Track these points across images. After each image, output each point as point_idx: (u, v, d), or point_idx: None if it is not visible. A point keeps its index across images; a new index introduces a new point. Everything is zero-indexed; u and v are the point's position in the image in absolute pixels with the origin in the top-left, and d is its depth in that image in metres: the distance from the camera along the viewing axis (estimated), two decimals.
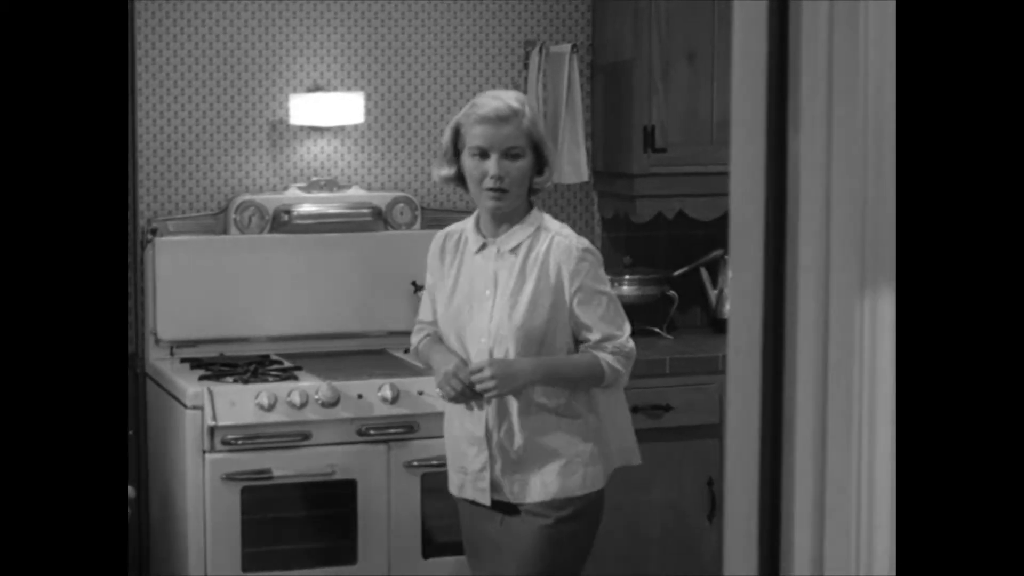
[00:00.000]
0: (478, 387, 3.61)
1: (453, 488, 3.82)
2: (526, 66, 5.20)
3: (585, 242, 3.75)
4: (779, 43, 2.13)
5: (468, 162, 3.67)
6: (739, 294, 2.21)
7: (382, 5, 5.13)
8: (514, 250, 3.70)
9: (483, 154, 3.64)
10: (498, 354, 3.66)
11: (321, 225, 5.00)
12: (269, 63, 5.04)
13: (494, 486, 3.71)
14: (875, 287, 2.08)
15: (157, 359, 4.90)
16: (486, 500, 3.72)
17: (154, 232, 4.90)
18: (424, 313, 3.92)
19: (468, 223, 3.81)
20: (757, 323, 2.16)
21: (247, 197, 4.97)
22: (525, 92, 5.19)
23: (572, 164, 5.09)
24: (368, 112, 5.12)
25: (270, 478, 4.47)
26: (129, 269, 4.95)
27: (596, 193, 5.36)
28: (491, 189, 3.64)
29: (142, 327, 4.94)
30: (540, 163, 3.70)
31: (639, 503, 4.85)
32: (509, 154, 3.63)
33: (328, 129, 5.08)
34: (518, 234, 3.71)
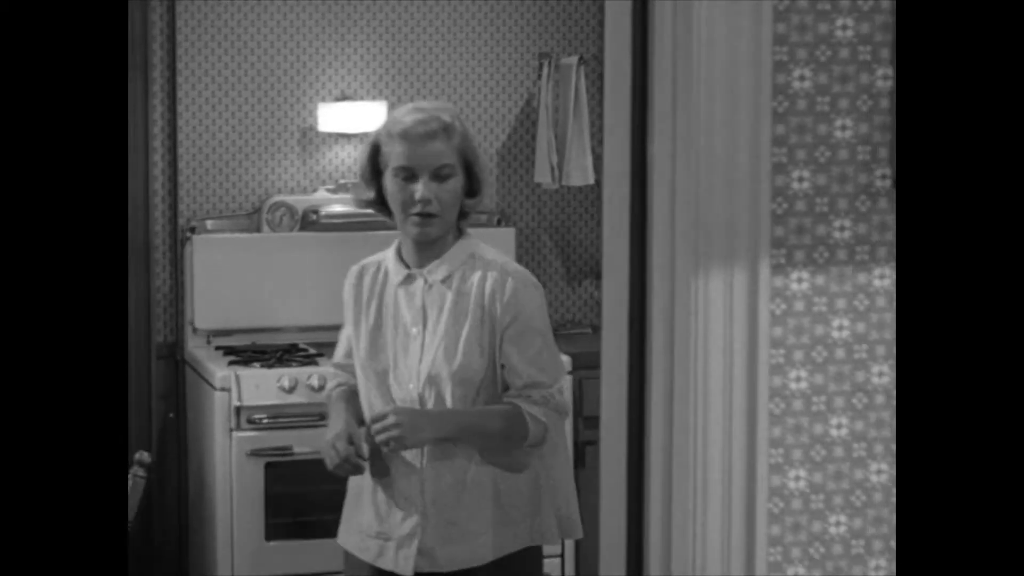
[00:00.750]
0: (378, 437, 3.17)
1: (367, 555, 3.35)
2: (540, 76, 5.65)
3: (526, 273, 3.33)
4: (642, 51, 2.56)
5: (391, 184, 3.23)
6: (610, 290, 2.64)
7: (405, 21, 5.61)
8: (444, 281, 3.27)
9: (409, 175, 3.20)
10: (430, 401, 3.25)
11: (347, 224, 5.47)
12: (300, 75, 5.54)
13: (422, 553, 3.27)
14: (707, 270, 2.51)
15: (195, 347, 5.41)
16: (409, 570, 3.27)
17: (193, 230, 5.41)
18: (340, 354, 3.50)
19: (388, 253, 3.37)
20: (623, 315, 2.60)
21: (279, 198, 5.47)
22: (538, 101, 5.65)
23: (579, 169, 5.55)
24: None
25: (291, 454, 4.96)
26: (169, 264, 5.47)
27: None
28: (419, 215, 3.20)
29: (181, 318, 5.46)
30: (472, 184, 3.29)
31: None
32: (438, 175, 3.21)
33: (354, 135, 5.57)
34: (448, 263, 3.27)
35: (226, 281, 5.41)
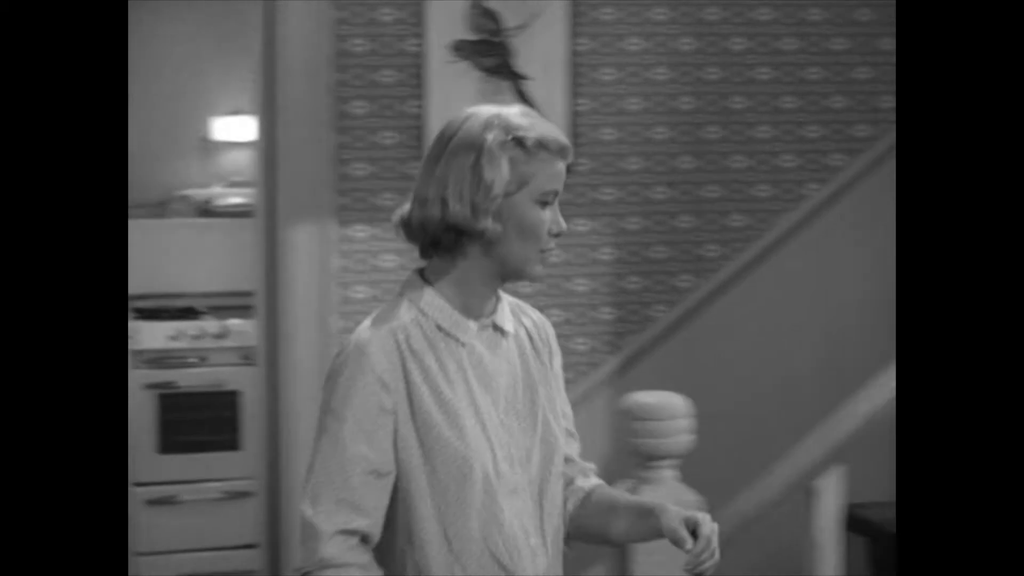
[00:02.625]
0: (706, 566, 2.43)
1: None
2: None
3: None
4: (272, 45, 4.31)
5: (530, 211, 2.44)
6: (256, 242, 4.44)
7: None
8: (506, 331, 2.55)
9: (551, 200, 2.47)
10: (548, 495, 2.52)
11: (237, 212, 6.75)
12: (199, 94, 6.92)
13: None
14: (296, 225, 4.29)
15: None
16: None
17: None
18: (363, 502, 2.38)
19: (415, 309, 2.45)
20: (262, 255, 4.40)
21: (181, 192, 6.92)
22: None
23: None
24: None
25: (178, 388, 6.30)
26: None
27: None
28: (549, 249, 2.48)
29: None
30: None
31: None
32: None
33: (244, 143, 6.78)
34: (505, 308, 2.56)
35: (141, 257, 6.64)
